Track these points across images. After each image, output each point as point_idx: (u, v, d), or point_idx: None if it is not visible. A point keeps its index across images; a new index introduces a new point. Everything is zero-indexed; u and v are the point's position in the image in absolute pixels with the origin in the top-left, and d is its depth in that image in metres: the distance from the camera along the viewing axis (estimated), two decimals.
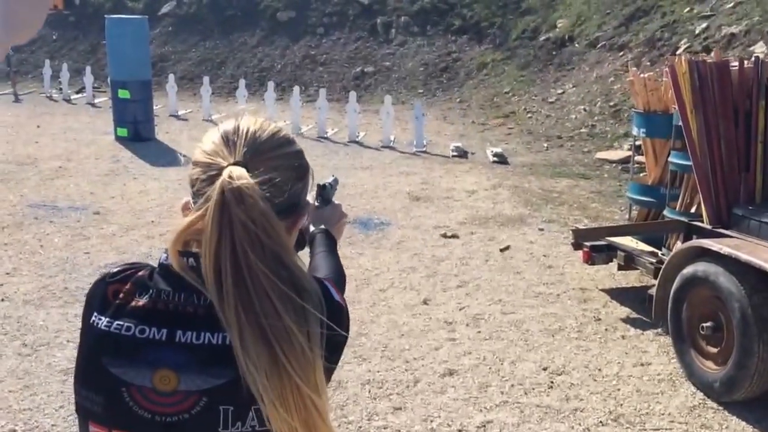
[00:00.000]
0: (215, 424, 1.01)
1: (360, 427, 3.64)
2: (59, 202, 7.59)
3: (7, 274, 5.62)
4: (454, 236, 6.58)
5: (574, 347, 4.53)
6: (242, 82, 12.67)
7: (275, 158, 1.11)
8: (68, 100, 14.88)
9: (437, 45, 15.68)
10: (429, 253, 6.14)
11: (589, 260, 5.18)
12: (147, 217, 7.09)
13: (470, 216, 7.23)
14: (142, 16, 11.74)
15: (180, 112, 13.04)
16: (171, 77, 13.44)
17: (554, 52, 14.32)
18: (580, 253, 5.35)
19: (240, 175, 1.03)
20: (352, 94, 11.69)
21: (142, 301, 1.05)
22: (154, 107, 13.31)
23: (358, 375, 4.13)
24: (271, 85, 12.46)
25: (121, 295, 1.06)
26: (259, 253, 1.00)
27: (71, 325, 4.71)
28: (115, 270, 1.12)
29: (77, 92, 15.35)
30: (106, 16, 11.51)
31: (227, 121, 1.16)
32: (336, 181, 1.81)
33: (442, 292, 5.35)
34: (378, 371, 4.18)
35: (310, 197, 1.67)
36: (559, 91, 13.16)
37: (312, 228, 1.60)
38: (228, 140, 1.12)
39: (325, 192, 1.68)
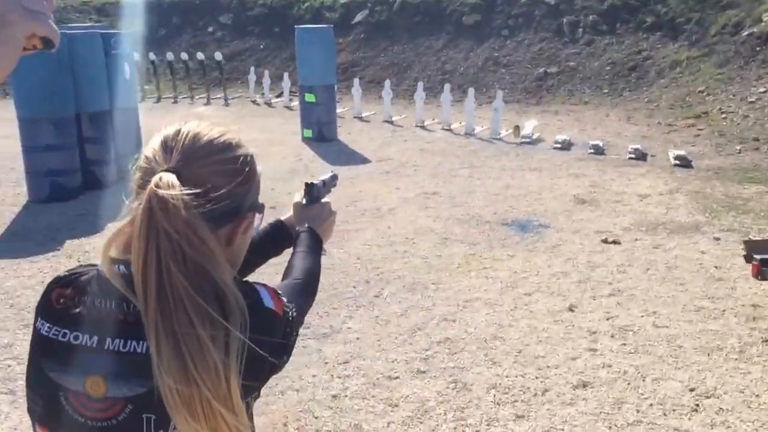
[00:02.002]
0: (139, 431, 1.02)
1: (477, 431, 3.50)
2: None
3: None
4: (615, 242, 6.16)
5: (731, 369, 4.05)
6: (420, 85, 12.77)
7: (212, 164, 1.09)
8: (269, 104, 15.85)
9: (626, 43, 14.82)
10: (584, 259, 5.80)
11: (759, 274, 4.61)
12: None
13: (637, 221, 6.74)
14: (328, 25, 12.21)
15: (363, 114, 13.44)
16: (356, 81, 13.88)
17: (758, 48, 12.98)
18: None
19: (168, 183, 1.02)
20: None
21: (78, 308, 1.06)
22: (342, 109, 13.87)
23: (486, 378, 3.98)
24: (447, 87, 12.43)
25: (62, 300, 1.08)
26: (180, 263, 0.99)
27: None
28: (64, 274, 1.12)
29: (277, 96, 16.31)
30: (296, 26, 12.11)
31: (172, 125, 1.14)
32: (333, 177, 1.73)
33: (591, 299, 5.02)
34: (507, 376, 4.00)
35: (298, 195, 1.61)
36: (761, 90, 11.91)
37: (298, 227, 1.55)
38: (166, 146, 1.10)
39: (313, 190, 1.62)
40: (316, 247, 1.51)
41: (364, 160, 9.83)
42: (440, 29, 17.18)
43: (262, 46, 19.45)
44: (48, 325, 1.07)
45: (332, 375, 4.06)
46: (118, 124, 8.57)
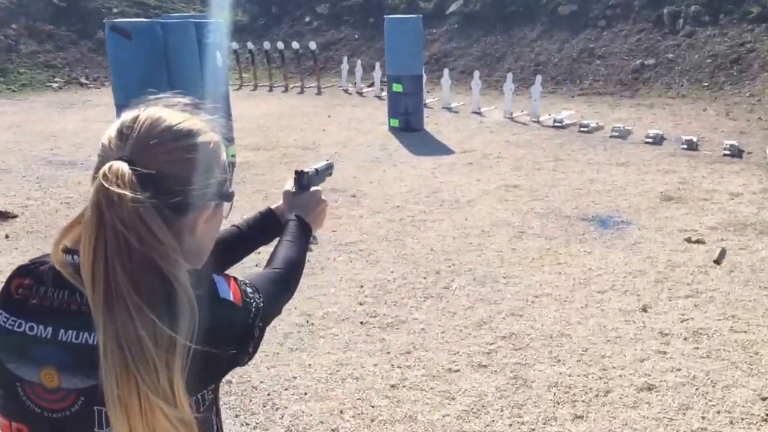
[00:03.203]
0: (91, 424, 1.02)
1: (533, 429, 3.44)
2: (326, 184, 8.20)
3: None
4: (699, 242, 5.88)
5: None
6: (509, 76, 12.53)
7: (169, 152, 1.05)
8: (360, 93, 15.98)
9: (730, 35, 14.05)
10: (665, 258, 5.56)
11: None
12: (394, 201, 7.38)
13: (725, 221, 6.40)
14: (417, 15, 12.16)
15: (452, 105, 13.34)
16: (446, 71, 13.77)
17: None
18: None
19: (117, 172, 0.99)
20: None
21: (35, 299, 1.04)
22: (431, 100, 13.82)
23: (547, 376, 3.89)
24: (538, 79, 12.16)
25: (20, 290, 1.06)
26: (125, 259, 0.97)
27: (302, 294, 5.08)
28: (27, 263, 1.11)
29: (368, 86, 16.43)
30: (385, 16, 12.13)
31: (130, 111, 1.10)
32: (328, 167, 1.72)
33: (667, 300, 4.82)
34: (569, 375, 3.90)
35: (289, 183, 1.60)
36: None
37: (286, 215, 1.54)
38: (122, 133, 1.07)
39: (303, 178, 1.61)
40: (302, 236, 1.48)
41: (448, 151, 9.77)
42: (535, 20, 16.82)
43: (356, 36, 19.62)
44: (5, 315, 1.05)
45: (393, 365, 4.07)
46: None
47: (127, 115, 1.09)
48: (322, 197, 1.61)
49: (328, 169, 1.75)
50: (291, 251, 1.42)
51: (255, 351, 1.15)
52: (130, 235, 0.97)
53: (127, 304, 0.96)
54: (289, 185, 1.62)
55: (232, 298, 1.09)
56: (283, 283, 1.34)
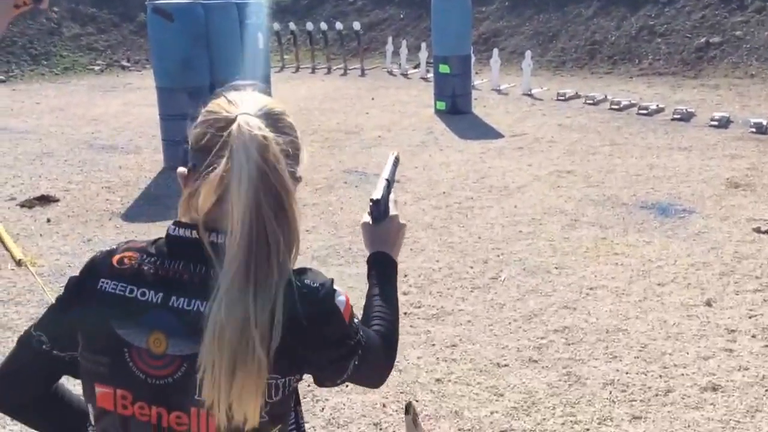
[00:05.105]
0: (192, 391, 1.05)
1: (587, 429, 3.34)
2: (369, 169, 8.16)
3: (306, 231, 6.21)
4: None
5: None
6: (528, 54, 12.17)
7: (284, 128, 1.15)
8: (405, 75, 15.86)
9: None
10: (731, 249, 5.37)
11: None
12: (440, 187, 7.29)
13: None
14: None
15: (502, 87, 13.14)
16: (495, 52, 13.56)
17: None
18: None
19: (252, 122, 1.07)
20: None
21: (146, 266, 1.11)
22: (480, 81, 13.64)
23: (603, 373, 3.78)
24: (528, 54, 11.81)
25: (126, 261, 1.13)
26: (278, 207, 1.07)
27: (344, 283, 5.06)
28: (117, 245, 1.19)
29: (414, 67, 16.30)
30: None
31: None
32: (396, 161, 1.57)
33: (734, 294, 4.64)
34: (627, 372, 3.78)
35: (366, 216, 1.46)
36: None
37: (369, 250, 1.47)
38: (231, 102, 1.15)
39: (379, 206, 1.48)
40: (392, 276, 1.41)
41: (497, 135, 9.62)
42: None
43: (401, 16, 19.48)
44: (114, 282, 1.11)
45: (438, 358, 4.01)
46: None
47: (221, 97, 1.17)
48: (401, 221, 1.49)
49: (396, 165, 1.61)
50: (387, 301, 1.37)
51: (337, 382, 1.21)
52: (275, 177, 1.05)
53: (270, 259, 1.04)
54: (366, 217, 1.50)
55: (342, 310, 1.16)
56: (385, 345, 1.31)
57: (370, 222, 1.48)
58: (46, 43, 18.40)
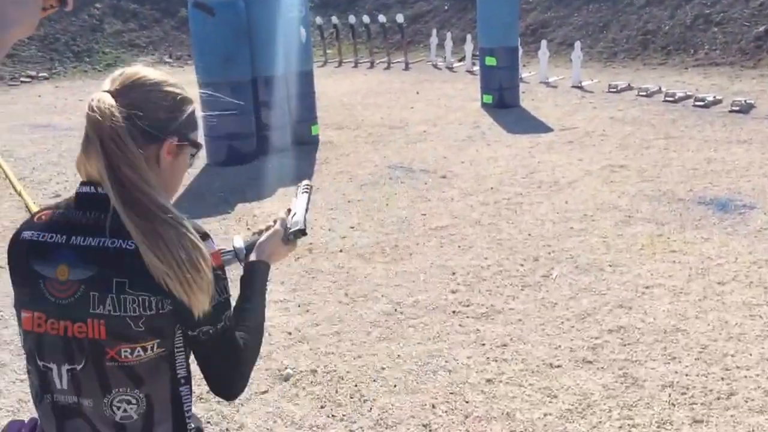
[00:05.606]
0: (88, 305, 1.38)
1: None
2: (414, 164, 8.15)
3: (351, 227, 6.23)
4: None
5: None
6: (578, 45, 11.95)
7: (142, 92, 1.44)
8: (450, 68, 15.80)
9: None
10: None
11: None
12: (488, 183, 7.24)
13: None
14: None
15: (550, 79, 12.98)
16: (543, 43, 13.40)
17: None
18: None
19: (100, 98, 1.40)
20: None
21: (54, 219, 1.45)
22: (527, 74, 13.51)
23: (661, 375, 3.71)
24: (577, 45, 11.61)
25: (42, 217, 1.47)
26: (123, 164, 1.38)
27: (390, 281, 5.06)
28: (41, 207, 1.52)
29: (459, 60, 16.22)
30: None
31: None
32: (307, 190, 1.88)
33: None
34: (686, 375, 3.70)
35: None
36: None
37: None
38: (111, 80, 1.47)
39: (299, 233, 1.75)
40: (265, 282, 1.69)
41: (546, 129, 9.52)
42: None
43: (446, 7, 19.40)
44: (32, 232, 1.45)
45: (488, 358, 3.98)
46: (292, 89, 8.93)
47: (118, 71, 1.49)
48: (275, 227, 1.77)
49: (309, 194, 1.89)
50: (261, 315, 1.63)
51: (201, 334, 1.42)
52: (112, 145, 1.36)
53: (135, 196, 1.36)
54: (279, 230, 1.78)
55: (212, 257, 1.42)
56: (245, 352, 1.53)
57: (282, 239, 1.74)
58: (88, 40, 18.79)
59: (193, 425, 1.50)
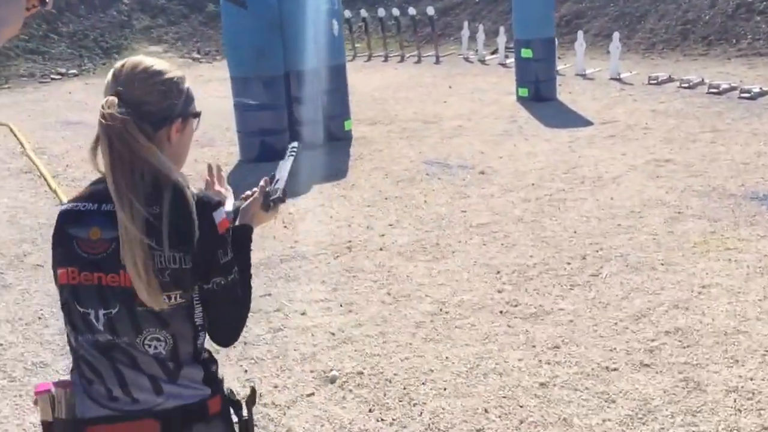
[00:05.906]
0: (118, 261, 1.59)
1: None
2: (451, 160, 8.05)
3: (390, 225, 6.15)
4: None
5: None
6: (617, 35, 11.78)
7: (146, 86, 1.64)
8: (482, 61, 15.66)
9: None
10: None
11: None
12: (528, 179, 7.12)
13: None
14: None
15: (587, 71, 12.79)
16: (579, 34, 13.21)
17: None
18: None
19: (109, 102, 1.60)
20: None
21: (88, 191, 1.70)
22: (563, 66, 13.32)
23: (725, 379, 3.58)
24: (616, 35, 11.39)
25: (79, 194, 1.72)
26: (126, 164, 1.61)
27: (433, 280, 4.97)
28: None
29: (492, 53, 16.06)
30: None
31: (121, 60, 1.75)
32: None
33: None
34: (751, 379, 3.57)
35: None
36: None
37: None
38: (114, 75, 1.67)
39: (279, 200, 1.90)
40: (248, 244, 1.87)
41: (586, 123, 9.36)
42: None
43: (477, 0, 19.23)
44: (70, 204, 1.70)
45: (540, 360, 3.88)
46: (325, 83, 8.85)
47: (118, 63, 1.69)
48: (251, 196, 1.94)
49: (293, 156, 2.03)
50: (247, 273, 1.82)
51: (205, 287, 1.66)
52: (123, 145, 1.59)
53: (130, 198, 1.59)
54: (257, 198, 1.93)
55: (219, 225, 1.66)
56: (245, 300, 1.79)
57: (262, 206, 1.90)
58: (117, 36, 18.91)
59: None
